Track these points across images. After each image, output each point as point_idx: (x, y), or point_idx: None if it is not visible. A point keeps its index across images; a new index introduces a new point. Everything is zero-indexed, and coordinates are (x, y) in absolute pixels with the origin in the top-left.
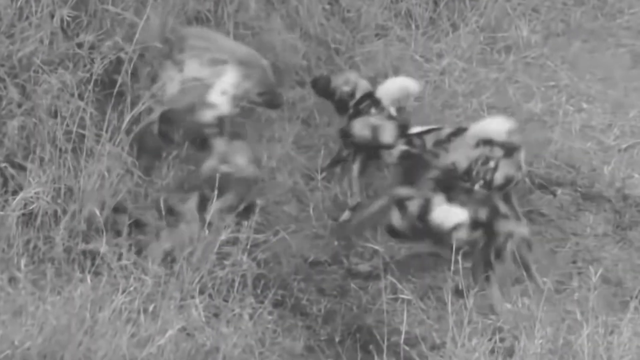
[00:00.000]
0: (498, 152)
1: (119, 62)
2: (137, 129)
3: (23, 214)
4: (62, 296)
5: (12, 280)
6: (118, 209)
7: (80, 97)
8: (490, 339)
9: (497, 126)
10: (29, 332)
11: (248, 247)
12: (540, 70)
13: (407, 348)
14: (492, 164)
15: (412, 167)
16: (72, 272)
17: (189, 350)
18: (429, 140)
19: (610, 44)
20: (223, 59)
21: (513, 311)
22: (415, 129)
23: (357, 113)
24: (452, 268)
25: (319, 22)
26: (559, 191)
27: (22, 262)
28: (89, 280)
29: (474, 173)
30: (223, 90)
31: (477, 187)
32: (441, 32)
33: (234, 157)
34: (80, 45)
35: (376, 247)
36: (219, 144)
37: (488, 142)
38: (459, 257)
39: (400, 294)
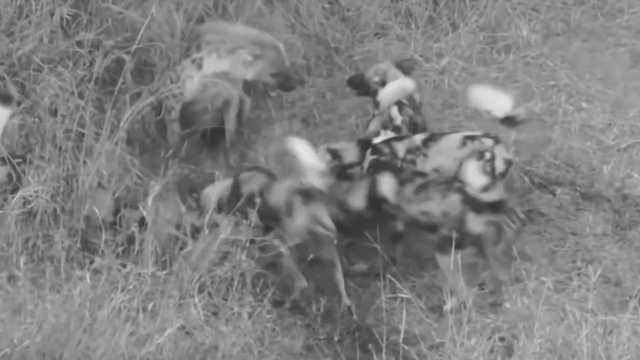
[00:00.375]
0: (488, 142)
1: (118, 60)
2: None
3: (22, 212)
4: (61, 294)
5: (11, 278)
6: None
7: (80, 95)
8: (489, 338)
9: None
10: (28, 330)
11: (247, 246)
12: (540, 69)
13: (406, 347)
14: (487, 155)
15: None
16: (72, 270)
17: (187, 348)
18: (401, 148)
19: (610, 43)
20: (239, 44)
21: (512, 310)
22: (380, 137)
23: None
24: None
25: (319, 22)
26: (559, 191)
27: (22, 260)
28: (88, 279)
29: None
30: None
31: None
32: (441, 31)
33: (321, 215)
34: (80, 44)
35: (375, 246)
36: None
37: (473, 137)
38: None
39: (399, 293)
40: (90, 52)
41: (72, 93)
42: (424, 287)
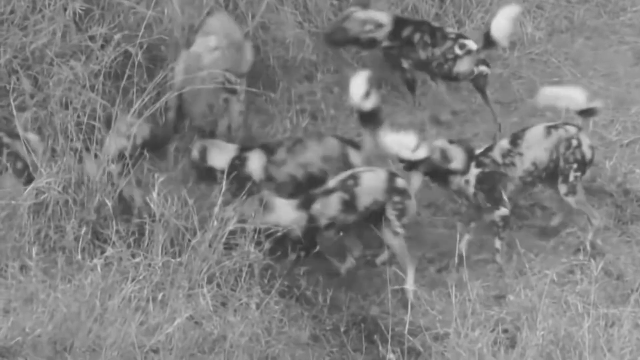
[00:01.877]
0: (572, 129)
1: (130, 54)
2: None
3: (34, 204)
4: (72, 284)
5: (23, 268)
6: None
7: (92, 88)
8: (492, 330)
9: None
10: (39, 319)
11: (255, 237)
12: (544, 66)
13: (411, 338)
14: (574, 142)
15: (492, 186)
16: (83, 260)
17: (196, 338)
18: (497, 154)
19: (613, 41)
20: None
21: (515, 303)
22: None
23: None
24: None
25: (327, 17)
26: None
27: (34, 250)
28: (99, 269)
29: (563, 161)
30: None
31: (572, 175)
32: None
33: None
34: (92, 38)
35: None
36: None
37: (555, 126)
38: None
39: (404, 284)
40: (102, 46)
41: (84, 86)
42: (428, 280)
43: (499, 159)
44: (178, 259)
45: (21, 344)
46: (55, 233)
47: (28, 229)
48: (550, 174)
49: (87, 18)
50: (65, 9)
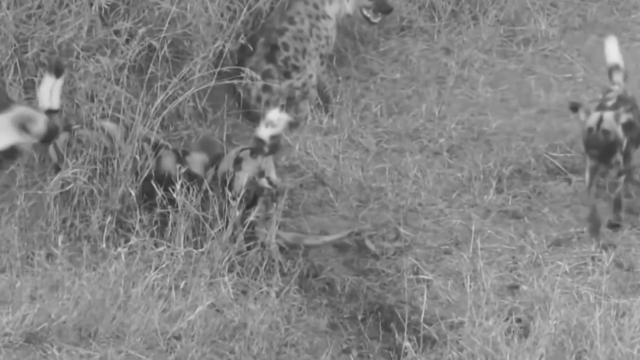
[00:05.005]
0: None
1: (154, 49)
2: None
3: (61, 194)
4: (97, 272)
5: (49, 256)
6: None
7: (117, 82)
8: (506, 319)
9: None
10: (65, 306)
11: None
12: (557, 62)
13: (426, 327)
14: None
15: None
16: (107, 249)
17: (217, 325)
18: None
19: (625, 38)
20: None
21: (529, 293)
22: None
23: None
24: None
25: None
26: (574, 178)
27: (60, 239)
28: (123, 257)
29: None
30: None
31: None
32: (463, 24)
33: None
34: (117, 33)
35: (399, 229)
36: None
37: None
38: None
39: (421, 274)
40: (127, 40)
41: (109, 79)
42: (444, 270)
43: None
44: (200, 249)
45: (47, 330)
46: (80, 222)
47: (54, 218)
48: None
49: (112, 13)
50: (91, 4)
